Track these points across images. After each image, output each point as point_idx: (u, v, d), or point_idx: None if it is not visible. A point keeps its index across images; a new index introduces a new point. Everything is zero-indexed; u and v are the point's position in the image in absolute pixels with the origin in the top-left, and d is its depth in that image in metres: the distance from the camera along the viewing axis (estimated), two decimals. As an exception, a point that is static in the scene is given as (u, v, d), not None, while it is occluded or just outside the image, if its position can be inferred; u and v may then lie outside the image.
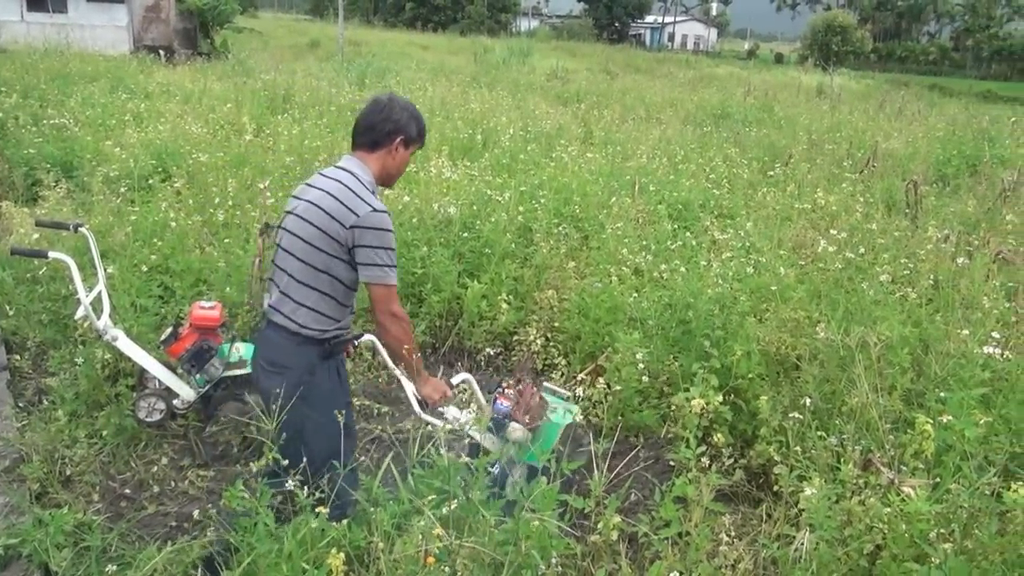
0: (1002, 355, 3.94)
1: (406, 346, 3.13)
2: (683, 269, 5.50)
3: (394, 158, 3.14)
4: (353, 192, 2.93)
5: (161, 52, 20.11)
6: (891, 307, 4.70)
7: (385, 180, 3.17)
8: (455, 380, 3.43)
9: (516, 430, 3.40)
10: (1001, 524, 2.77)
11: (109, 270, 4.91)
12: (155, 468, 4.05)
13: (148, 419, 4.20)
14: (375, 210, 2.91)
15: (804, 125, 14.72)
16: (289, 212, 3.02)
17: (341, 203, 2.89)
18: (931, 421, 3.06)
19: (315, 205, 2.92)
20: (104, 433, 4.16)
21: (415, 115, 3.19)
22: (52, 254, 3.99)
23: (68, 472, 3.90)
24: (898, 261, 5.78)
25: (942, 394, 3.61)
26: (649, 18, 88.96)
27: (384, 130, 3.09)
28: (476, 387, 3.54)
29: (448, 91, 16.82)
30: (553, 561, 2.58)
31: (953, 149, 11.70)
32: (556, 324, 5.47)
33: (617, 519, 2.85)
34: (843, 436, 3.57)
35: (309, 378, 2.97)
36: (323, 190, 2.95)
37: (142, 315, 4.80)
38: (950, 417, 3.17)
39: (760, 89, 23.64)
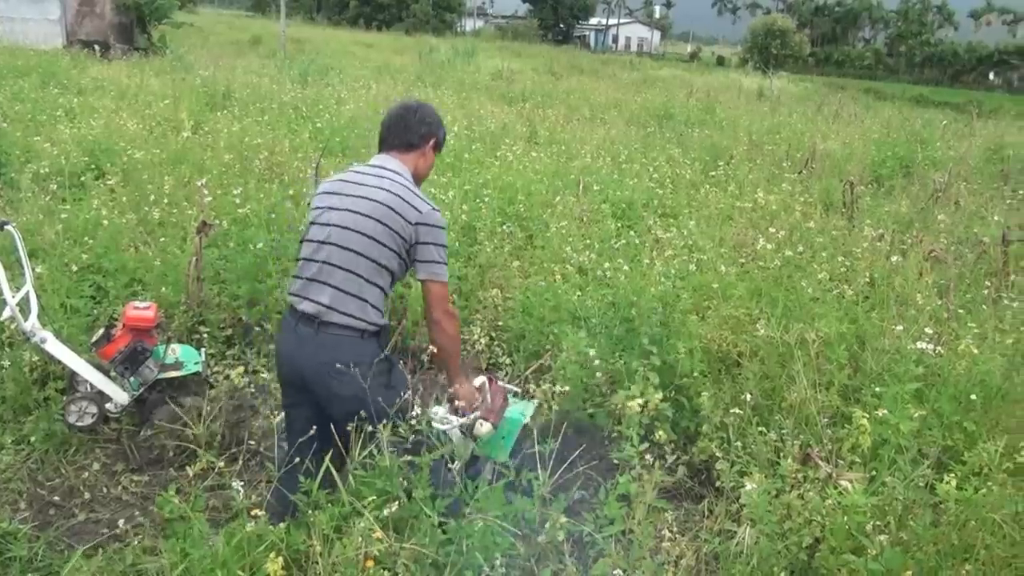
0: (935, 351, 4.04)
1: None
2: (626, 268, 5.53)
3: (426, 160, 3.23)
4: (410, 190, 3.01)
5: (96, 47, 19.54)
6: (829, 304, 4.78)
7: (416, 181, 3.18)
8: (476, 383, 3.37)
9: (483, 426, 3.36)
10: (935, 515, 2.84)
11: (38, 270, 4.75)
12: (86, 474, 3.92)
13: (79, 423, 4.05)
14: (433, 208, 3.00)
15: (745, 126, 14.95)
16: (334, 208, 2.98)
17: (403, 200, 2.95)
18: (867, 416, 3.12)
19: (376, 201, 2.94)
20: (32, 439, 4.02)
21: (441, 120, 3.31)
22: (-25, 253, 3.84)
23: (-7, 479, 3.75)
24: (835, 259, 5.90)
25: (878, 389, 3.69)
26: (593, 20, 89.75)
27: (419, 132, 3.17)
28: (487, 390, 3.46)
29: (393, 90, 16.69)
30: (497, 562, 2.55)
31: (888, 151, 12.00)
32: (500, 323, 5.45)
33: (563, 519, 2.84)
34: (783, 431, 3.62)
35: (379, 369, 2.96)
36: (380, 187, 2.98)
37: (73, 316, 4.65)
38: (886, 411, 3.24)
39: (702, 91, 23.95)
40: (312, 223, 3.03)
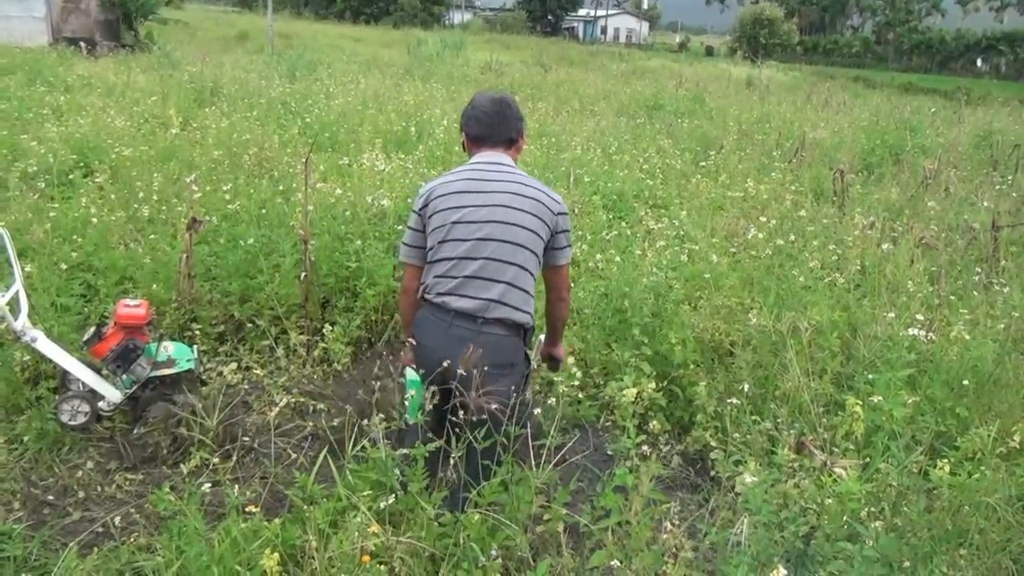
0: (927, 337, 4.06)
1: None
2: (618, 259, 5.53)
3: (518, 152, 3.28)
4: (538, 182, 3.11)
5: (82, 44, 19.42)
6: (820, 292, 4.80)
7: None
8: None
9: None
10: (929, 501, 2.85)
11: (27, 268, 4.72)
12: (80, 472, 3.89)
13: (72, 422, 4.03)
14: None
15: (734, 116, 14.97)
16: (480, 206, 2.97)
17: (543, 192, 3.06)
18: (861, 403, 3.13)
19: (524, 196, 3.00)
20: (25, 438, 3.99)
21: None
22: (-37, 253, 3.81)
23: (-14, 480, 3.73)
24: (826, 248, 5.92)
25: (870, 376, 3.70)
26: (582, 11, 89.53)
27: (517, 128, 3.21)
28: None
29: (381, 83, 16.64)
30: (493, 553, 2.55)
31: (877, 139, 12.03)
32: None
33: (562, 511, 2.85)
34: (777, 420, 3.63)
35: (525, 368, 3.09)
36: (519, 182, 3.04)
37: (64, 314, 4.62)
38: (879, 398, 3.25)
39: (691, 81, 23.96)
40: (454, 223, 2.96)
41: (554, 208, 3.05)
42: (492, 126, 3.15)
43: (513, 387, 2.88)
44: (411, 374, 3.73)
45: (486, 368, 2.70)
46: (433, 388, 2.80)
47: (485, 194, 2.99)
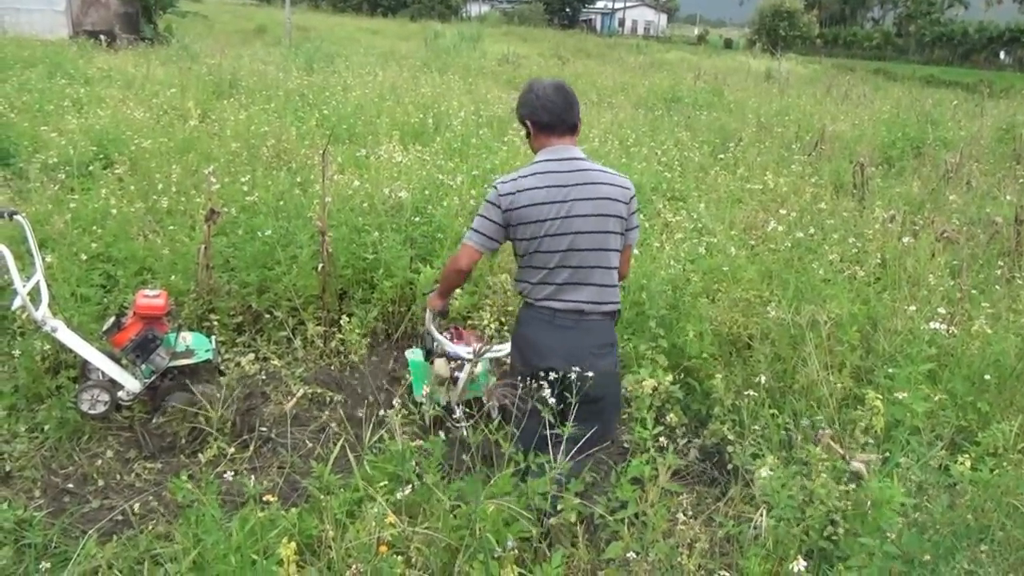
0: (948, 331, 4.01)
1: None
2: (636, 251, 5.50)
3: (577, 139, 3.34)
4: (608, 169, 3.25)
5: (102, 37, 19.55)
6: (840, 286, 4.76)
7: None
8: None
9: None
10: (950, 497, 2.82)
11: (48, 259, 4.75)
12: (99, 461, 3.93)
13: (92, 411, 4.07)
14: None
15: (753, 109, 14.87)
16: (569, 216, 3.09)
17: (615, 181, 3.19)
18: (881, 397, 3.10)
19: (602, 197, 3.13)
20: (46, 427, 4.03)
21: None
22: (-16, 242, 3.83)
23: (8, 468, 3.76)
24: (846, 241, 5.87)
25: (891, 370, 3.67)
26: (599, 3, 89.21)
27: (579, 115, 3.27)
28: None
29: (399, 76, 16.64)
30: (509, 544, 2.55)
31: (898, 132, 11.91)
32: (510, 308, 5.43)
33: (576, 501, 2.84)
34: (796, 414, 3.60)
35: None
36: (594, 181, 3.14)
37: (83, 305, 4.66)
38: (900, 393, 3.22)
39: (710, 74, 23.81)
40: (543, 236, 3.10)
41: (627, 195, 3.19)
42: (560, 114, 3.18)
43: (614, 362, 3.24)
44: (412, 356, 4.14)
45: (592, 351, 3.11)
46: (548, 376, 3.00)
47: (568, 203, 3.09)
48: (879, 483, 2.69)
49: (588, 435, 2.94)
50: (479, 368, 4.01)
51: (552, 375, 2.99)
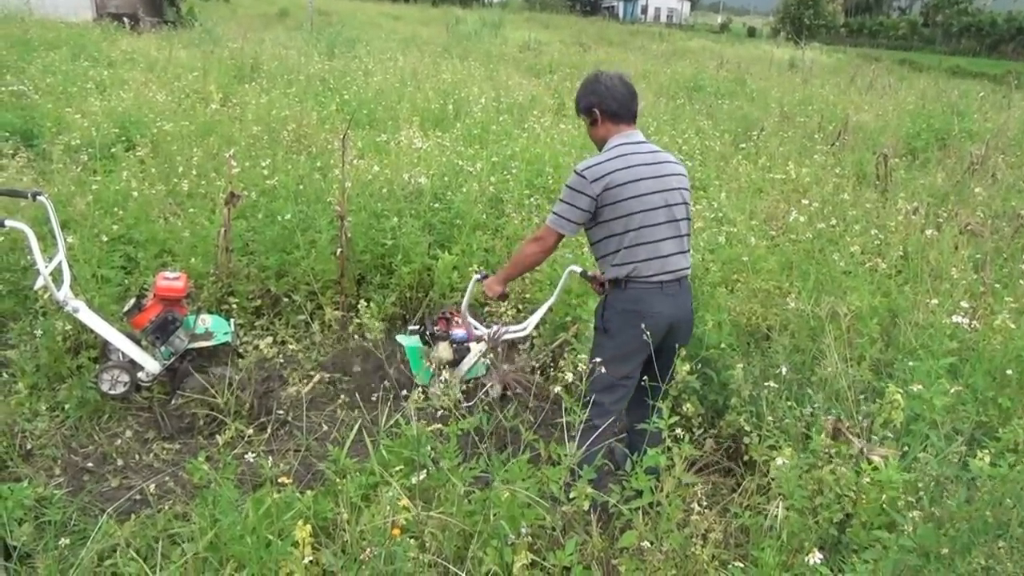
0: (970, 325, 3.97)
1: None
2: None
3: None
4: (665, 150, 3.51)
5: (125, 20, 19.64)
6: (861, 278, 4.72)
7: None
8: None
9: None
10: (968, 492, 2.79)
11: (69, 240, 4.79)
12: (119, 441, 3.97)
13: (111, 391, 4.11)
14: None
15: (776, 98, 14.74)
16: (655, 192, 3.31)
17: (676, 161, 3.49)
18: (901, 391, 3.07)
19: (674, 173, 3.41)
20: (66, 406, 4.08)
21: None
22: (8, 222, 3.84)
23: (29, 446, 3.81)
24: (868, 232, 5.81)
25: (911, 363, 3.63)
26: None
27: (639, 104, 3.52)
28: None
29: (419, 62, 16.61)
30: (523, 531, 2.55)
31: (923, 123, 11.76)
32: (527, 296, 5.43)
33: (589, 489, 2.84)
34: (815, 406, 3.58)
35: None
36: (664, 160, 3.42)
37: (104, 286, 4.70)
38: (920, 386, 3.19)
39: (733, 62, 23.61)
40: (640, 213, 3.29)
41: (686, 171, 3.52)
42: (627, 103, 3.43)
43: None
44: (407, 341, 4.33)
45: (689, 310, 3.53)
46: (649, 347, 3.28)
47: (652, 180, 3.32)
48: (873, 467, 2.67)
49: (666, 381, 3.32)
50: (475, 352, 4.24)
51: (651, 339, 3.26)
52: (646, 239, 3.30)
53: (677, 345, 3.37)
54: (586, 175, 3.27)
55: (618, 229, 3.30)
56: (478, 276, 3.94)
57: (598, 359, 3.25)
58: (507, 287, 3.86)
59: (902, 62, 41.49)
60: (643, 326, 3.25)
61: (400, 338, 4.49)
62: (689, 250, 3.47)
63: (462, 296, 4.31)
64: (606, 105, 3.40)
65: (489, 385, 4.28)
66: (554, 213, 3.37)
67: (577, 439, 3.04)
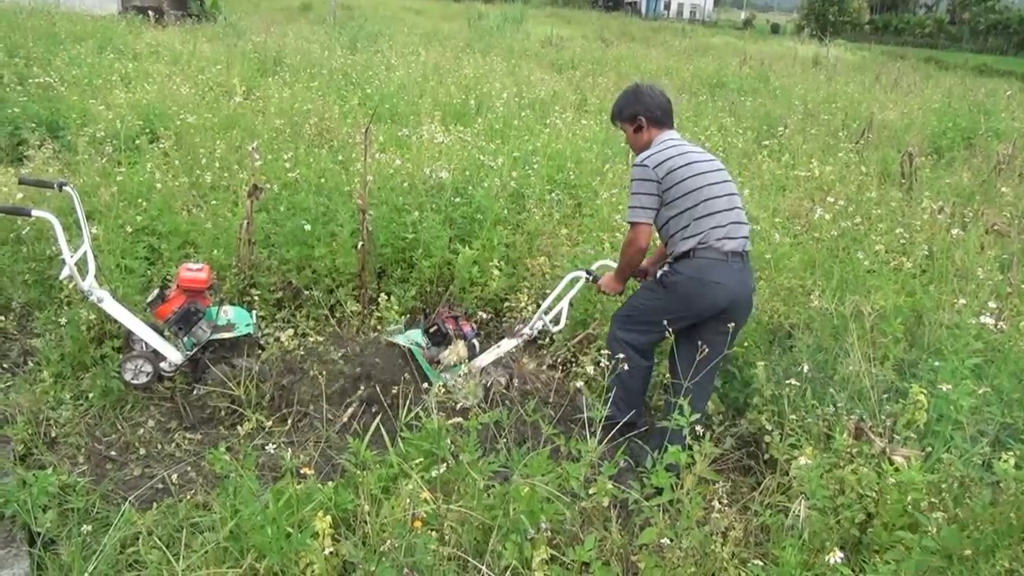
0: (996, 326, 3.92)
1: None
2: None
3: None
4: None
5: (150, 13, 19.76)
6: (885, 277, 4.67)
7: None
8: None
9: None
10: (993, 494, 2.76)
11: (94, 231, 4.83)
12: (141, 430, 4.00)
13: (135, 381, 4.15)
14: None
15: (799, 95, 14.62)
16: (710, 171, 3.74)
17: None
18: (925, 391, 3.04)
19: (716, 160, 3.85)
20: (90, 395, 4.11)
21: None
22: (36, 212, 3.88)
23: (53, 434, 3.85)
24: (893, 231, 5.76)
25: (936, 364, 3.59)
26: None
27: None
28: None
29: (441, 56, 16.63)
30: (543, 526, 2.55)
31: (948, 121, 11.64)
32: (548, 291, 5.42)
33: (609, 485, 2.83)
34: (837, 405, 3.55)
35: None
36: (704, 150, 3.92)
37: (128, 276, 4.73)
38: (944, 387, 3.15)
39: (756, 59, 23.46)
40: (702, 191, 3.67)
41: None
42: (668, 109, 3.94)
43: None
44: (406, 342, 4.43)
45: (752, 285, 3.82)
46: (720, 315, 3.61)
47: (703, 163, 3.75)
48: (895, 468, 2.65)
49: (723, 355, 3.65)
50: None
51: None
52: (711, 209, 3.65)
53: (731, 326, 3.54)
54: (647, 163, 3.68)
55: (686, 204, 3.64)
56: (588, 277, 4.21)
57: (640, 303, 3.80)
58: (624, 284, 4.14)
59: (928, 60, 41.07)
60: (703, 293, 3.61)
61: (400, 339, 4.51)
62: (746, 236, 3.73)
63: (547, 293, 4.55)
64: (652, 112, 3.87)
65: (494, 379, 4.33)
66: (631, 208, 3.71)
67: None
